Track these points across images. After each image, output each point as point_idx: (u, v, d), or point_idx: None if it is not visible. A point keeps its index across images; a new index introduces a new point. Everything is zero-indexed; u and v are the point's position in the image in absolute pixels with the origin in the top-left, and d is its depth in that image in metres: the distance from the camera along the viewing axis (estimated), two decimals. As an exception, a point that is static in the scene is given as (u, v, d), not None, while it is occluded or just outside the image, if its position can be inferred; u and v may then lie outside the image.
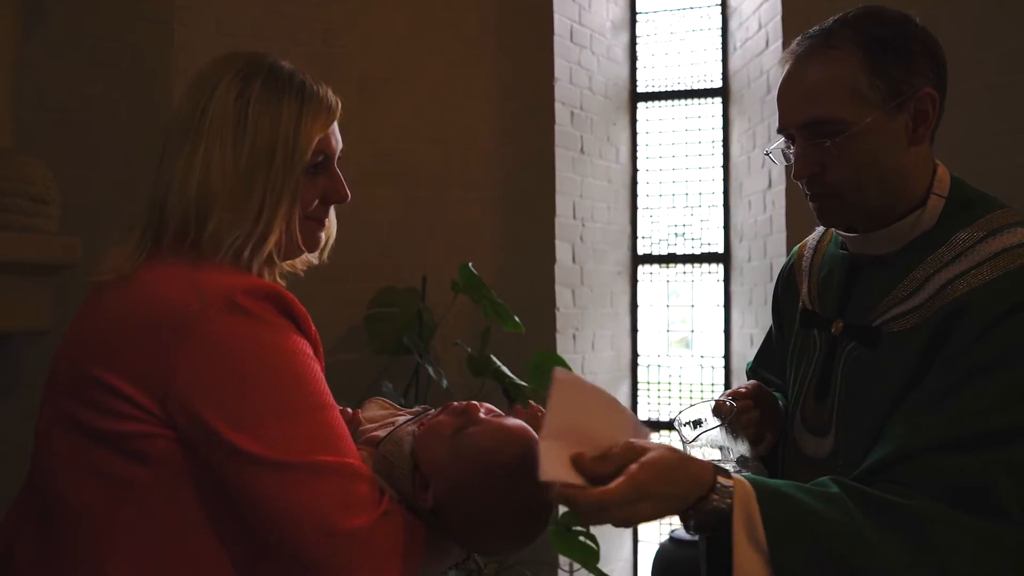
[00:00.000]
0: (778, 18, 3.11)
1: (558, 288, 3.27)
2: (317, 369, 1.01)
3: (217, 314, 0.95)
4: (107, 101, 2.84)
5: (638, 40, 3.72)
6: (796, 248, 1.47)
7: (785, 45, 3.09)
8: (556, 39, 3.30)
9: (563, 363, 3.05)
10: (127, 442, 0.96)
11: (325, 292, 3.14)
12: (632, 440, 0.98)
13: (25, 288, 2.49)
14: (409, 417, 1.11)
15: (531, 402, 1.17)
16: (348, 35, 3.23)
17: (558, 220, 3.29)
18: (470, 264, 2.96)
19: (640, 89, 3.71)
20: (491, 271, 3.20)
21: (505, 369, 2.87)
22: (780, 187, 3.12)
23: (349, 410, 1.12)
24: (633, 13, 3.72)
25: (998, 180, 1.83)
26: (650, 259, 3.69)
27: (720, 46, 3.64)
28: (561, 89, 3.32)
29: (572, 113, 3.38)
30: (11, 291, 2.44)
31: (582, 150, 3.44)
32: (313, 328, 1.06)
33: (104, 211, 2.67)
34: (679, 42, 3.70)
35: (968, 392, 1.03)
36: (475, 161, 3.29)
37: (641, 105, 3.71)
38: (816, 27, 1.21)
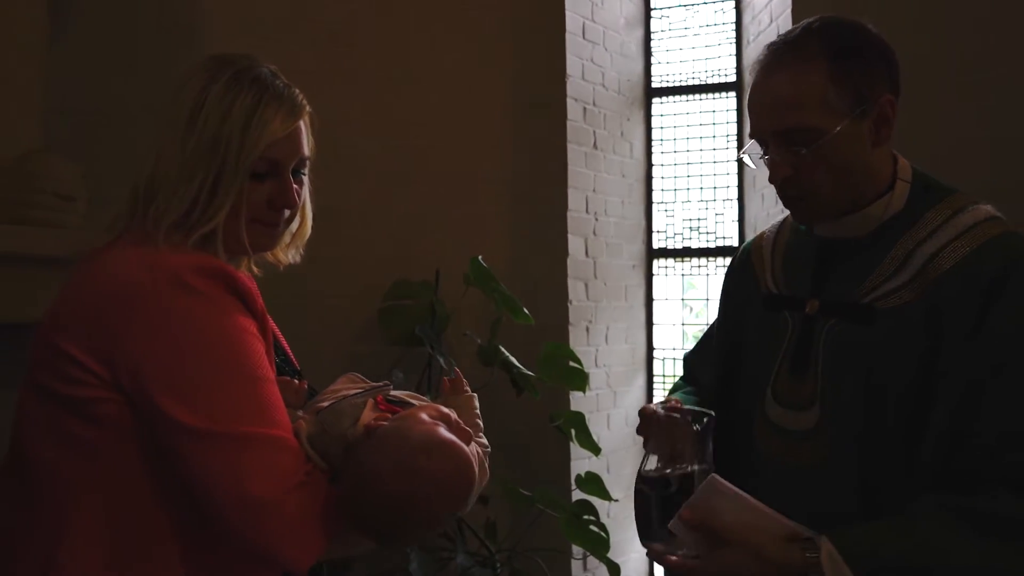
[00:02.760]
0: (788, 11, 3.12)
1: (571, 282, 3.32)
2: (256, 344, 1.07)
3: (165, 289, 1.03)
4: (133, 102, 2.95)
5: (652, 36, 3.75)
6: (749, 242, 1.53)
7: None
8: (568, 36, 3.34)
9: (572, 355, 3.09)
10: (84, 406, 1.04)
11: (342, 285, 3.23)
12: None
13: (52, 280, 2.61)
14: (358, 391, 1.15)
15: (456, 370, 1.22)
16: (362, 34, 3.31)
17: (570, 214, 3.33)
18: (480, 257, 3.02)
19: (654, 84, 3.74)
20: (504, 264, 3.25)
21: (513, 359, 2.92)
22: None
23: (296, 381, 1.17)
24: (647, 9, 3.75)
25: None
26: (665, 253, 3.72)
27: (734, 40, 3.66)
28: (573, 85, 3.36)
29: (584, 109, 3.42)
30: (39, 283, 2.56)
31: (595, 145, 3.48)
32: (260, 305, 1.12)
33: (128, 207, 2.78)
34: (693, 37, 3.72)
35: (1008, 378, 1.13)
36: (488, 157, 3.35)
37: (655, 100, 3.74)
38: (781, 37, 1.29)
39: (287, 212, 1.19)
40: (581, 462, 3.25)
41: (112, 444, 1.04)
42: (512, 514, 3.11)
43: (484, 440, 1.23)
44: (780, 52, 1.25)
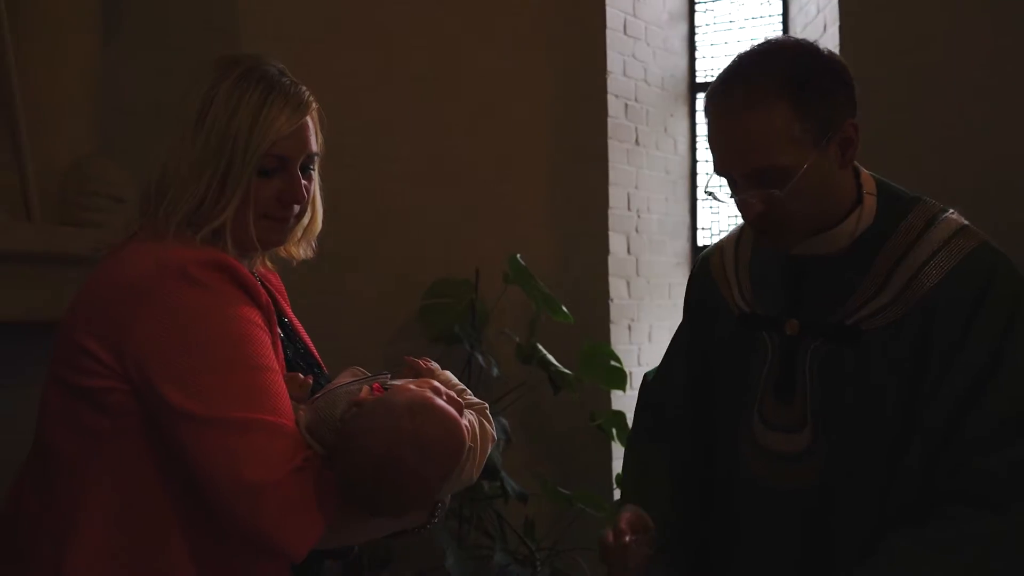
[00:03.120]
0: (835, 2, 3.05)
1: (612, 279, 3.29)
2: (258, 334, 1.09)
3: (170, 282, 1.06)
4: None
5: (696, 30, 3.69)
6: (705, 254, 1.49)
7: (842, 30, 3.04)
8: (609, 32, 3.32)
9: (612, 354, 3.07)
10: (95, 395, 1.08)
11: (384, 284, 3.26)
12: None
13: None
14: (353, 380, 1.16)
15: (409, 358, 1.21)
16: (402, 35, 3.33)
17: (612, 212, 3.30)
18: (518, 255, 3.02)
19: (699, 79, 3.69)
20: (545, 263, 3.25)
21: (550, 357, 2.92)
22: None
23: (300, 375, 1.18)
24: (691, 3, 3.70)
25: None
26: (710, 250, 3.66)
27: (780, 33, 3.58)
28: (614, 82, 3.33)
29: (626, 105, 3.40)
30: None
31: (637, 142, 3.44)
32: (264, 297, 1.14)
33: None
34: (738, 31, 3.65)
35: (995, 383, 1.15)
36: (528, 155, 3.34)
37: (700, 96, 3.69)
38: (731, 71, 1.24)
39: (296, 208, 1.21)
40: (622, 462, 3.22)
41: (122, 433, 1.08)
42: (552, 513, 3.10)
43: (475, 399, 1.22)
44: (738, 92, 1.19)
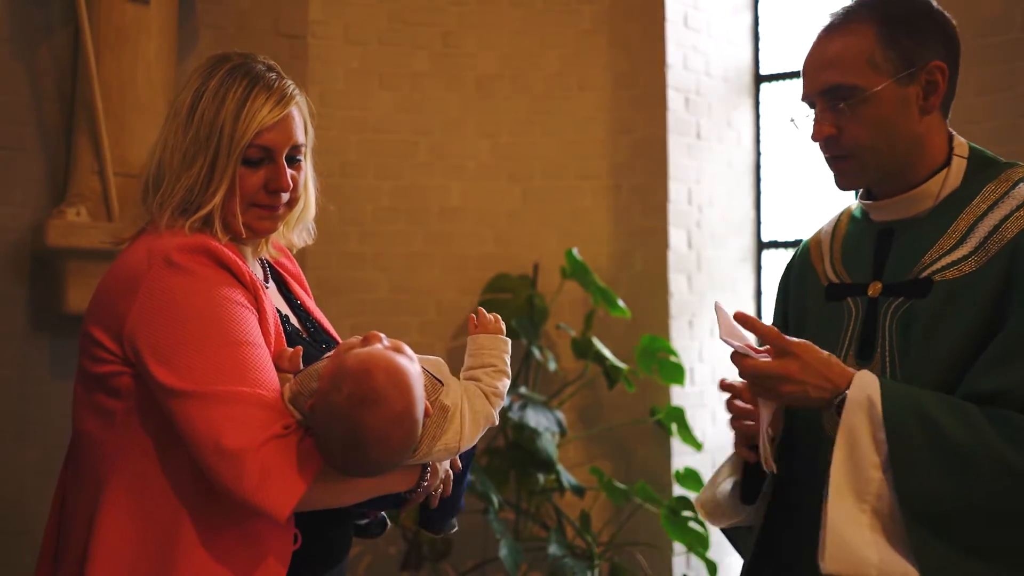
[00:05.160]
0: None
1: (672, 275, 3.27)
2: (240, 312, 1.16)
3: (156, 270, 1.15)
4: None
5: (760, 21, 3.63)
6: (807, 240, 1.51)
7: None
8: (668, 25, 3.30)
9: (668, 348, 3.06)
10: (106, 380, 1.18)
11: (446, 280, 3.33)
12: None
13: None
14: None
15: (480, 309, 1.24)
16: (465, 36, 3.39)
17: (671, 206, 3.29)
18: (574, 250, 3.04)
19: (764, 71, 3.62)
20: (604, 258, 3.26)
21: (605, 351, 2.93)
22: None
23: (289, 350, 1.22)
24: (756, -6, 3.64)
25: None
26: (775, 245, 3.60)
27: (849, 21, 3.49)
28: (674, 75, 3.31)
29: (687, 99, 3.37)
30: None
31: (698, 135, 3.41)
32: (248, 276, 1.20)
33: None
34: (803, 21, 3.57)
35: None
36: (588, 151, 3.36)
37: (764, 87, 3.62)
38: (841, 8, 1.32)
39: (284, 196, 1.27)
40: (683, 457, 3.20)
41: (131, 414, 1.17)
42: (609, 507, 3.11)
43: (492, 383, 1.25)
44: (836, 18, 1.29)
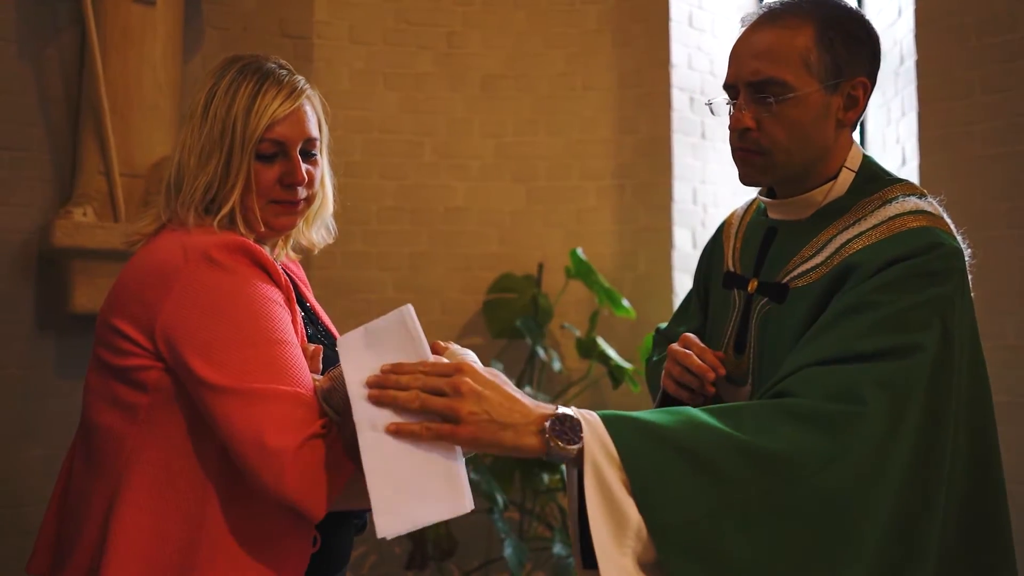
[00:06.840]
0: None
1: (676, 274, 3.27)
2: (277, 310, 1.17)
3: (195, 266, 1.15)
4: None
5: (766, 20, 3.63)
6: (727, 217, 1.55)
7: (916, 13, 2.95)
8: (673, 25, 3.30)
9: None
10: (131, 374, 1.17)
11: (451, 280, 3.34)
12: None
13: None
14: None
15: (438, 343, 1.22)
16: (470, 36, 3.40)
17: (676, 206, 3.28)
18: (579, 250, 3.04)
19: (769, 71, 3.61)
20: (609, 258, 3.26)
21: (610, 351, 2.93)
22: (914, 163, 2.95)
23: (312, 346, 1.24)
24: (761, -7, 3.64)
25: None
26: (781, 245, 3.59)
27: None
28: (678, 75, 3.31)
29: (692, 99, 3.37)
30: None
31: (703, 135, 3.41)
32: (283, 277, 1.22)
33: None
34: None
35: (843, 325, 1.15)
36: (593, 151, 3.36)
37: (770, 87, 3.62)
38: (772, 4, 1.30)
39: (301, 191, 1.28)
40: (688, 457, 3.20)
41: (157, 408, 1.17)
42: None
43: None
44: (774, 10, 1.26)
